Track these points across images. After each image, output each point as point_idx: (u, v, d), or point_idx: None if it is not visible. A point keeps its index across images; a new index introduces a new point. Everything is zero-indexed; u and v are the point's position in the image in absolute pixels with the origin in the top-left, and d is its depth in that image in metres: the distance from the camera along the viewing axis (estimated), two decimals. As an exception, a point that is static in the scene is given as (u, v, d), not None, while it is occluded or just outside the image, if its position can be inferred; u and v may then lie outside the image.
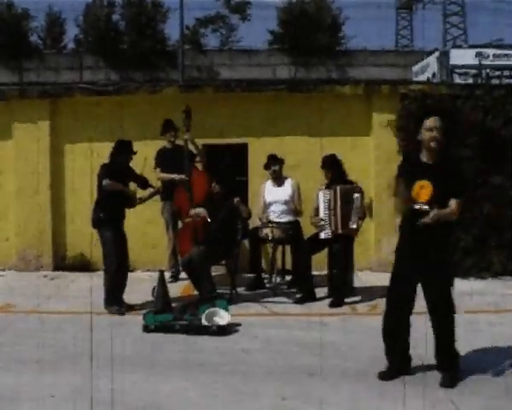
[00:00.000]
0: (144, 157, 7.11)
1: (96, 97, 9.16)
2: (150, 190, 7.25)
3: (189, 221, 7.38)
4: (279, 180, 7.87)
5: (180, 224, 8.03)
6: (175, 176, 7.97)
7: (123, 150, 6.94)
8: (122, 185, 6.83)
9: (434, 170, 4.61)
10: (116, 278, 6.78)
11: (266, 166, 7.88)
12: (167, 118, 8.35)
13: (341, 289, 7.10)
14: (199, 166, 8.21)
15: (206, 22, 33.39)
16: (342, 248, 7.11)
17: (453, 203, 4.57)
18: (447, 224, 4.62)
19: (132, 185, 7.14)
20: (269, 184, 7.93)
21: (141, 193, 7.22)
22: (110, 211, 6.81)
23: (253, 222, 7.85)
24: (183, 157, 7.75)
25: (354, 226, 7.02)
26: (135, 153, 6.99)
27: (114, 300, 6.76)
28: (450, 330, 4.69)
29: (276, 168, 7.82)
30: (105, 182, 6.73)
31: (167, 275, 7.73)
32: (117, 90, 9.40)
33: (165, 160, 8.23)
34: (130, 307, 6.80)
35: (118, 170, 6.86)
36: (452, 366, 4.70)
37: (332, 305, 6.93)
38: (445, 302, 4.67)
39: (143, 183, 7.17)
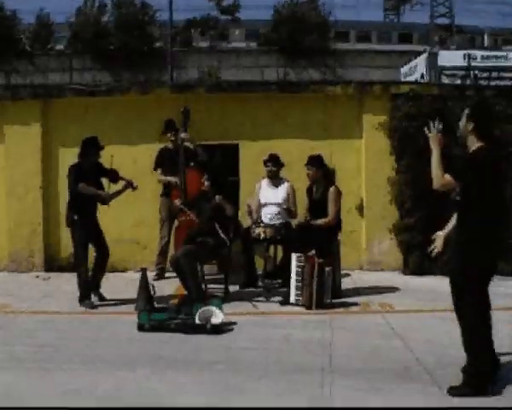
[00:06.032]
0: (111, 155, 7.11)
1: (87, 98, 9.15)
2: (122, 182, 7.25)
3: (183, 220, 7.40)
4: (275, 181, 7.88)
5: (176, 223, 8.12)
6: (172, 179, 8.08)
7: (90, 148, 7.01)
8: (94, 189, 6.91)
9: None
10: (87, 274, 6.97)
11: (264, 163, 7.90)
12: (168, 118, 8.33)
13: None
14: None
15: (196, 23, 33.40)
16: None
17: None
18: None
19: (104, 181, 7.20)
20: (264, 183, 7.95)
21: (113, 187, 7.26)
22: (83, 211, 6.92)
23: (246, 222, 7.87)
24: (184, 157, 7.82)
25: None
26: (102, 147, 7.05)
27: (87, 296, 6.92)
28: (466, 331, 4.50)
29: (271, 169, 7.83)
30: (79, 185, 6.82)
31: (152, 273, 7.99)
32: (108, 90, 9.40)
33: (166, 159, 8.28)
34: (102, 298, 7.01)
35: (87, 168, 6.94)
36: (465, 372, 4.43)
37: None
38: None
39: (114, 177, 7.19)
